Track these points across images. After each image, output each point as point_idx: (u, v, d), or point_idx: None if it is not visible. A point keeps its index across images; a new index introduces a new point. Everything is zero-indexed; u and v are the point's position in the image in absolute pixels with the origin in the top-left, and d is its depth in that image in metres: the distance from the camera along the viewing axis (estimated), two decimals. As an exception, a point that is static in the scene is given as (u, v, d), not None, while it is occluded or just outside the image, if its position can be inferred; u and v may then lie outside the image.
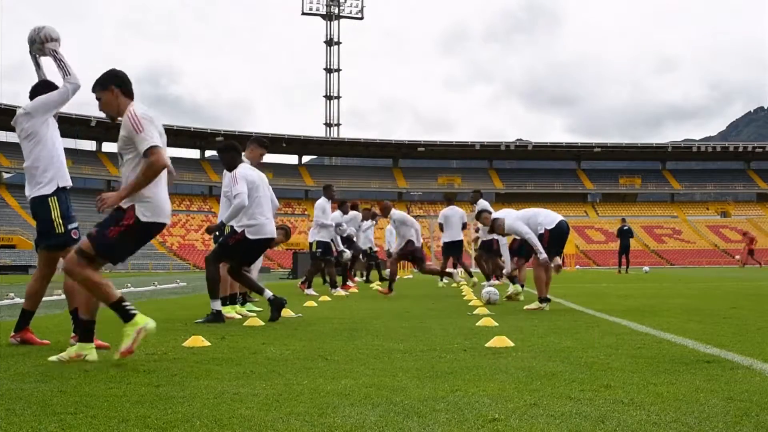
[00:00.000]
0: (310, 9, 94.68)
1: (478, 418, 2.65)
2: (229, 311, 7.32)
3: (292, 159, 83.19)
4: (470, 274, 15.49)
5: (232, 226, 7.14)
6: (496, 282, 13.38)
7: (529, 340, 5.04)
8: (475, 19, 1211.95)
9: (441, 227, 14.20)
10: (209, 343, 4.88)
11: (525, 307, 8.36)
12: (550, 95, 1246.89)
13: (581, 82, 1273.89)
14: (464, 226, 14.33)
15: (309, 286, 12.55)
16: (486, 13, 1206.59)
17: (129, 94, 4.35)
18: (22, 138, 4.97)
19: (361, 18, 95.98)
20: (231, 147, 7.25)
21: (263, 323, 6.46)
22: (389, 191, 79.13)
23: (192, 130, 73.61)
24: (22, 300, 5.28)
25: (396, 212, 12.14)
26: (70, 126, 61.10)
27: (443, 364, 3.96)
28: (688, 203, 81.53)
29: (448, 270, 13.23)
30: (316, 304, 8.92)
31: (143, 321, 4.10)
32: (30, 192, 4.96)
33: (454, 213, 14.09)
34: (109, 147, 73.54)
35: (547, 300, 8.16)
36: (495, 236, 12.70)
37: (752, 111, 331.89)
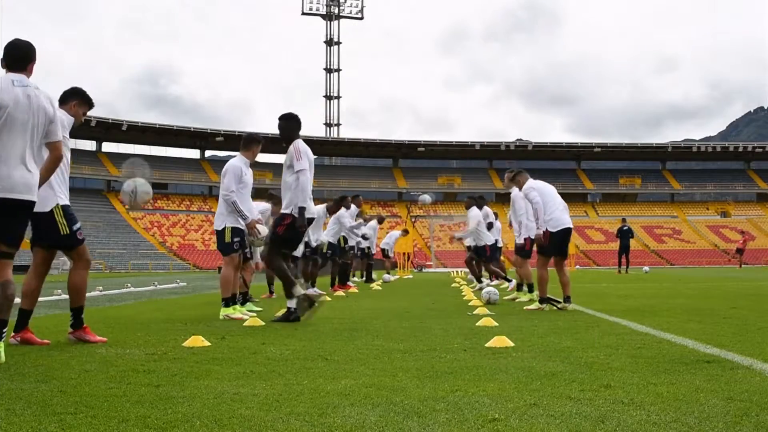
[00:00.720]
0: (310, 9, 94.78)
1: (478, 418, 2.65)
2: (234, 312, 7.32)
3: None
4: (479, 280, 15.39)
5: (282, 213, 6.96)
6: (495, 282, 13.44)
7: (529, 340, 5.05)
8: (475, 18, 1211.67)
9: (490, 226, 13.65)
10: (209, 343, 4.88)
11: (525, 307, 8.38)
12: (550, 95, 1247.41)
13: (581, 82, 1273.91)
14: (490, 226, 13.76)
15: (313, 285, 12.59)
16: (486, 13, 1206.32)
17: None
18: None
19: (361, 18, 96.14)
20: (292, 117, 7.14)
21: (263, 323, 6.46)
22: (389, 191, 79.19)
23: (192, 130, 73.63)
24: (20, 300, 5.27)
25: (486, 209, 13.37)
26: (70, 126, 61.10)
27: (443, 364, 3.96)
28: (688, 203, 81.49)
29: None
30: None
31: None
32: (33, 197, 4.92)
33: (488, 214, 13.67)
34: (109, 147, 73.61)
35: (568, 300, 8.03)
36: (487, 242, 12.82)
37: (752, 111, 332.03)
